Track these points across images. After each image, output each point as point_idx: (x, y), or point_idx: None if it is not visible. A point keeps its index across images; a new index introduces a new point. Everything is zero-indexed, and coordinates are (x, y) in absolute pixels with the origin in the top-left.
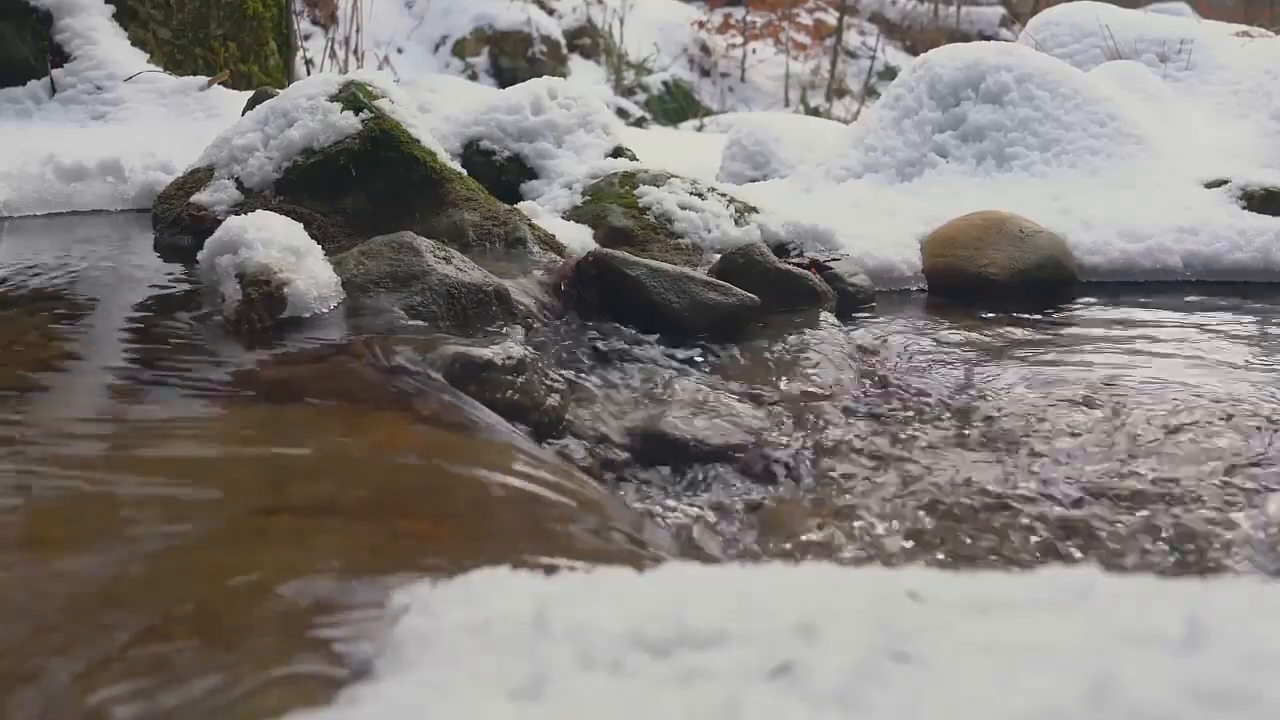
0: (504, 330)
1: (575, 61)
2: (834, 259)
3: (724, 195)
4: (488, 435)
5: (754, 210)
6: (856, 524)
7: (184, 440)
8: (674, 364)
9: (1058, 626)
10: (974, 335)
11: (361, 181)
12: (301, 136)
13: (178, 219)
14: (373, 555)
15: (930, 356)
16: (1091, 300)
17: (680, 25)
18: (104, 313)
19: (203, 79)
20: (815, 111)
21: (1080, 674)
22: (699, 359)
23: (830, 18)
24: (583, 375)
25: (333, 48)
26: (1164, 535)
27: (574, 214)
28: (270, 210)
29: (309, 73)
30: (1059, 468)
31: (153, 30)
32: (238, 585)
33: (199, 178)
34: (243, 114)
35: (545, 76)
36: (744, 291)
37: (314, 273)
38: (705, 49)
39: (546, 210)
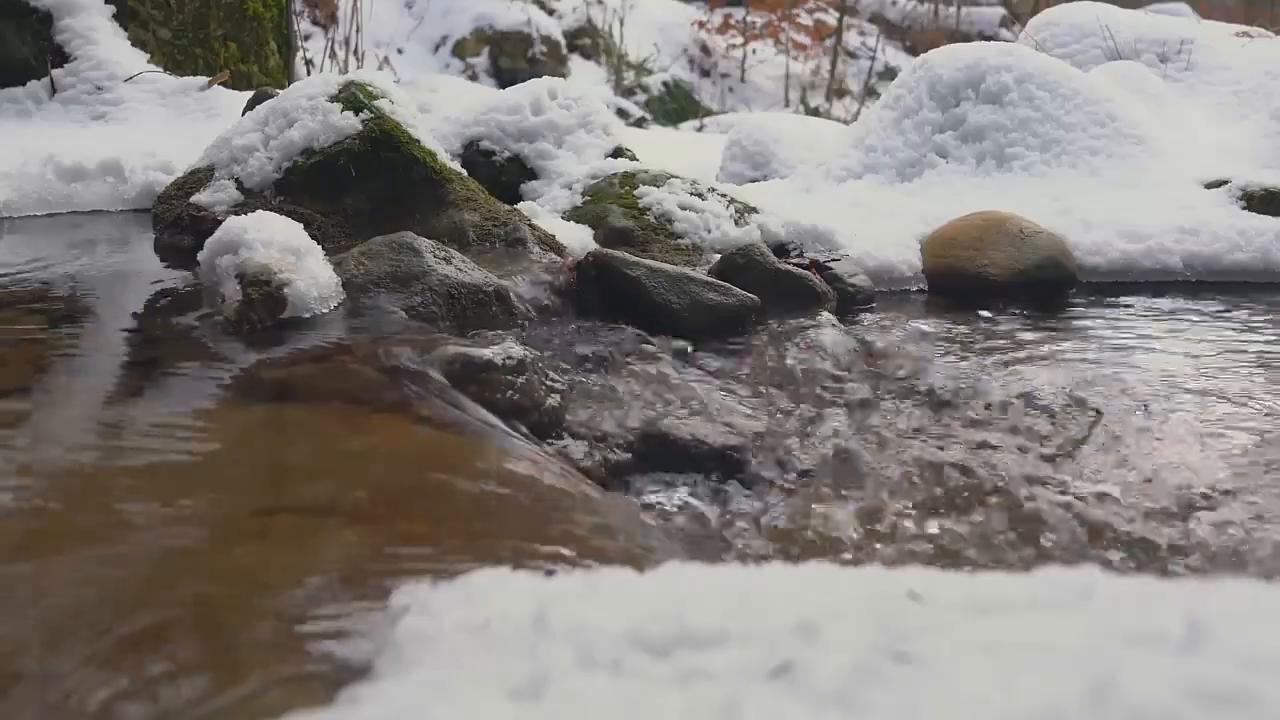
0: (504, 331)
1: (575, 62)
2: (834, 259)
3: (724, 195)
4: (488, 436)
5: (754, 210)
6: (857, 523)
7: (184, 440)
8: (674, 364)
9: (1058, 626)
10: (974, 335)
11: (361, 182)
12: (302, 137)
13: (178, 219)
14: (373, 555)
15: (930, 356)
16: (1092, 300)
17: (680, 25)
18: (104, 313)
19: (203, 79)
20: (815, 112)
21: (1080, 674)
22: (699, 359)
23: (830, 18)
24: (583, 375)
25: (333, 48)
26: (1163, 529)
27: (574, 214)
28: (270, 210)
29: (309, 73)
30: (1064, 465)
31: (153, 30)
32: (238, 585)
33: (199, 178)
34: (243, 114)
35: (545, 77)
36: (744, 292)
37: (314, 273)
38: (705, 49)
39: (546, 210)
